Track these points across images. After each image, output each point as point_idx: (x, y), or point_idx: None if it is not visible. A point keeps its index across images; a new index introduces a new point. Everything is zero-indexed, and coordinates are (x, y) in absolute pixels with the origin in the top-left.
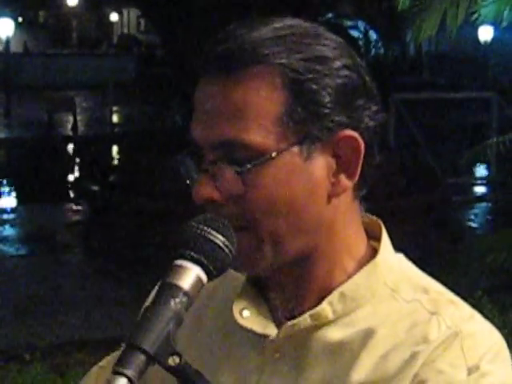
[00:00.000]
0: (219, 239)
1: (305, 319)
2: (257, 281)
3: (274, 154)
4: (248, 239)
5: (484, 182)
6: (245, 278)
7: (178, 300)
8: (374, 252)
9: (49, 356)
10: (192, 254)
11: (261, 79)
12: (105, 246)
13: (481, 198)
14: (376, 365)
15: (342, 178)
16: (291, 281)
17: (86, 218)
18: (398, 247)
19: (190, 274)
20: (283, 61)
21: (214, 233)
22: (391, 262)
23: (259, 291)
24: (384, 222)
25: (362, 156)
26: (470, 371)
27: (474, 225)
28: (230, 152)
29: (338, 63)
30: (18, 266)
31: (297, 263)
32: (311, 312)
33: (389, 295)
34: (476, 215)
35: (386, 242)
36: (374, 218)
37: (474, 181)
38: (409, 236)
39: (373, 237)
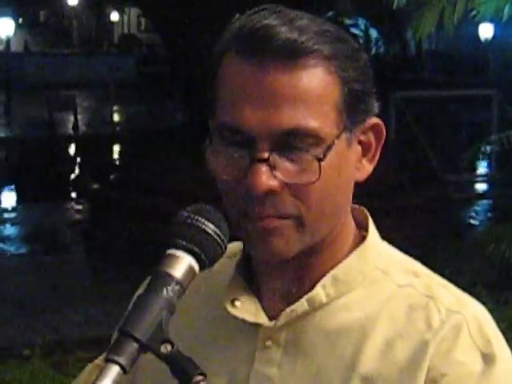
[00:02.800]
0: (211, 229)
1: (302, 304)
2: (247, 271)
3: (336, 141)
4: (290, 227)
5: (484, 179)
6: (234, 269)
7: (170, 288)
8: (361, 239)
9: (48, 353)
10: (184, 243)
11: (321, 67)
12: (105, 245)
13: (481, 196)
14: (382, 354)
15: (365, 162)
16: (297, 266)
17: (86, 216)
18: (396, 244)
19: (183, 263)
20: (334, 52)
21: (206, 222)
22: (380, 246)
23: (248, 282)
24: (384, 219)
25: (383, 141)
26: (484, 358)
27: (474, 222)
28: (296, 139)
29: (365, 55)
30: (18, 265)
31: (314, 247)
32: (307, 296)
33: (381, 278)
34: (476, 212)
35: (373, 228)
36: (360, 207)
37: (474, 178)
38: (408, 233)
39: (359, 225)
